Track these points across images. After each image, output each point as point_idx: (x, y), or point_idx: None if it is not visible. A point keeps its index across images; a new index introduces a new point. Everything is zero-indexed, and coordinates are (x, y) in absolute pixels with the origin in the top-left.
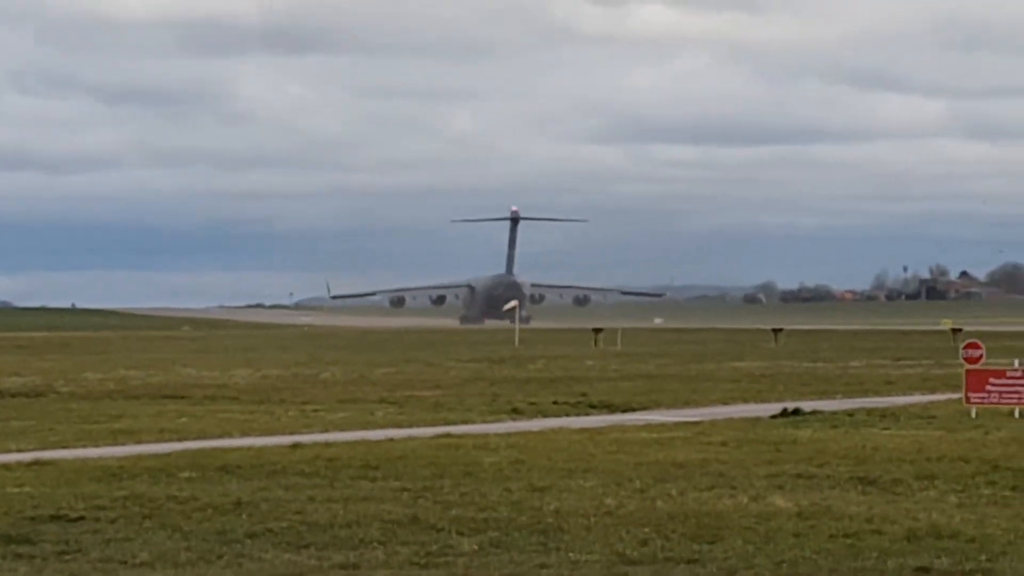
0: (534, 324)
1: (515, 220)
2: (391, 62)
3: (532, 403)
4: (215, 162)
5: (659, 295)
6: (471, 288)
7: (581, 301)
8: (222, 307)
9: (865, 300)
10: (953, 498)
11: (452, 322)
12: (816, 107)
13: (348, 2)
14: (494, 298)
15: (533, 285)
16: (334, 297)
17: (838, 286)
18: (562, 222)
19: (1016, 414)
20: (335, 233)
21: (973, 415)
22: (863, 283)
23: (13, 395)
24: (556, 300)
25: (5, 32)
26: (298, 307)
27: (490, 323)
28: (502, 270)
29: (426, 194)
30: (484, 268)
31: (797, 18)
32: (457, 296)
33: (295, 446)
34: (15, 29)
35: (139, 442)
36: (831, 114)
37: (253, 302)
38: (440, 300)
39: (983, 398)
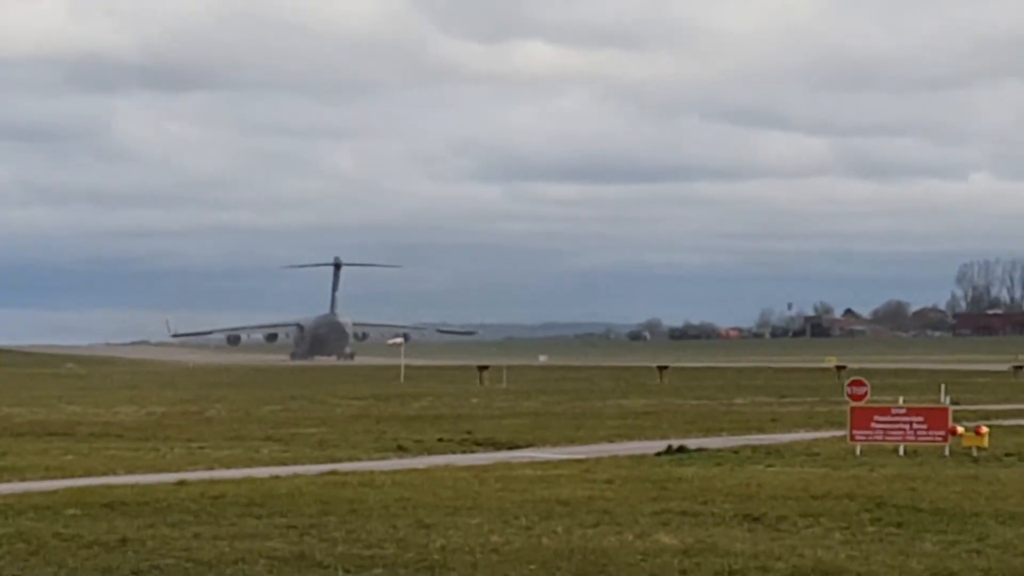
0: (358, 360)
1: (338, 266)
2: (272, 99)
3: (418, 440)
4: (96, 199)
5: (471, 332)
6: (300, 327)
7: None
8: (107, 344)
9: (751, 337)
10: (838, 535)
11: (284, 358)
12: (697, 145)
13: (228, 40)
14: (318, 336)
15: (356, 324)
16: (175, 336)
17: (723, 323)
18: (380, 267)
19: (900, 451)
20: (218, 270)
21: (858, 452)
22: (748, 320)
23: None
24: (378, 338)
25: None
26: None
27: (319, 359)
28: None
29: (307, 232)
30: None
31: (677, 56)
32: (288, 335)
33: (181, 483)
34: None
35: (24, 479)
36: (712, 152)
37: (138, 339)
38: (272, 338)
39: (868, 435)
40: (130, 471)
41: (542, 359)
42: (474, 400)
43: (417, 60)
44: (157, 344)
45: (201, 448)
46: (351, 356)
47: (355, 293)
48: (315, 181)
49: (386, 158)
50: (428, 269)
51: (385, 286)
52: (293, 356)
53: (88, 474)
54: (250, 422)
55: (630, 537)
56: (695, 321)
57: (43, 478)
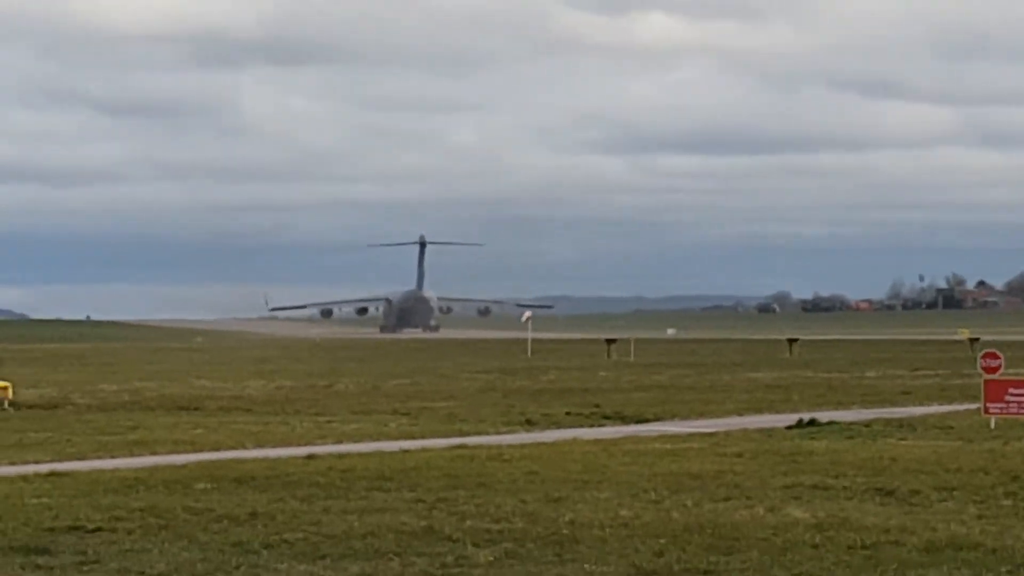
0: (443, 333)
1: (423, 244)
2: (392, 74)
3: (546, 414)
4: (218, 175)
5: (549, 307)
6: (388, 301)
7: (483, 312)
8: (235, 318)
9: (882, 310)
10: (973, 509)
11: (373, 331)
12: (819, 115)
13: (348, 14)
14: (405, 310)
15: (440, 298)
16: (272, 310)
17: (852, 296)
18: (461, 245)
19: None
20: (340, 245)
21: (992, 426)
22: (878, 292)
23: (30, 407)
24: (461, 312)
25: (7, 47)
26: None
27: (406, 331)
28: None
29: (428, 206)
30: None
31: (798, 26)
32: (377, 308)
33: (310, 457)
34: (17, 44)
35: (154, 453)
36: (834, 122)
37: (265, 314)
38: (363, 311)
39: (1002, 408)
40: (259, 445)
41: (670, 332)
42: (602, 373)
43: (538, 32)
44: (257, 318)
45: (330, 422)
46: (436, 328)
47: (475, 266)
48: (435, 155)
49: (507, 131)
50: (550, 242)
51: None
52: (382, 329)
53: (217, 448)
54: (378, 396)
55: (761, 511)
56: (824, 293)
57: (173, 452)
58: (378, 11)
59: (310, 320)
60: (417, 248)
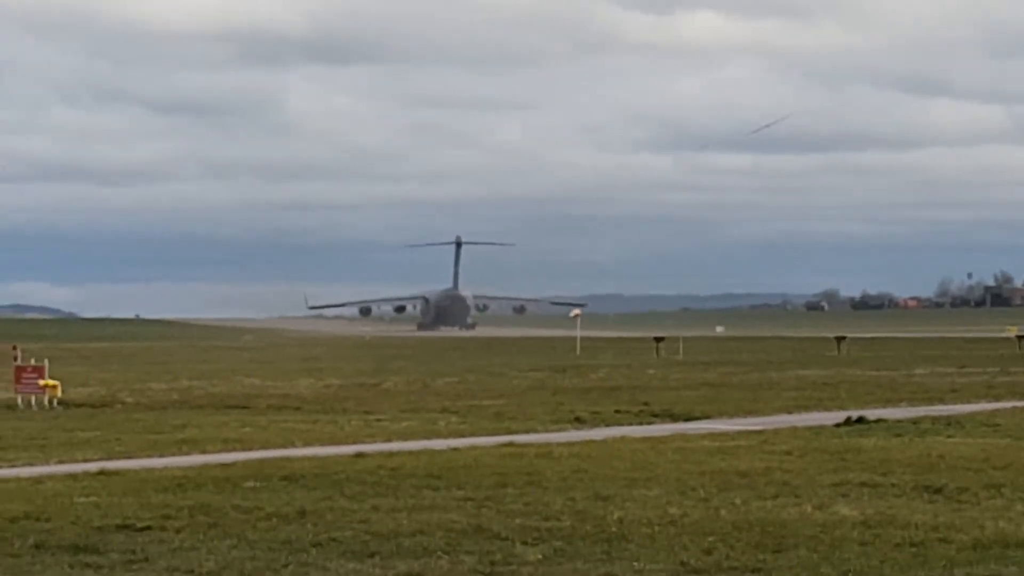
0: (479, 331)
1: (458, 244)
2: (437, 73)
3: (595, 412)
4: (264, 173)
5: (583, 305)
6: (426, 300)
7: (518, 310)
8: (282, 317)
9: (930, 307)
10: (1020, 507)
11: (412, 328)
12: (865, 114)
13: (393, 13)
14: (442, 308)
15: (476, 296)
16: (311, 308)
17: (900, 293)
18: (495, 245)
19: None
20: (385, 243)
21: None
22: (926, 290)
23: (79, 405)
24: (497, 309)
25: (54, 47)
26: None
27: (444, 330)
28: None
29: (474, 204)
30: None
31: (844, 24)
32: (415, 307)
33: (359, 455)
34: (66, 43)
35: (204, 452)
36: (881, 120)
37: (309, 312)
38: (401, 310)
39: None
40: (308, 443)
41: (719, 330)
42: (650, 371)
43: (583, 31)
44: (303, 317)
45: (379, 420)
46: (472, 326)
47: (520, 264)
48: (481, 153)
49: (553, 129)
50: (598, 241)
51: (553, 258)
52: (420, 327)
53: (266, 446)
54: (427, 394)
55: (809, 508)
56: (872, 291)
57: (222, 450)
58: (423, 10)
59: (350, 319)
60: (453, 248)
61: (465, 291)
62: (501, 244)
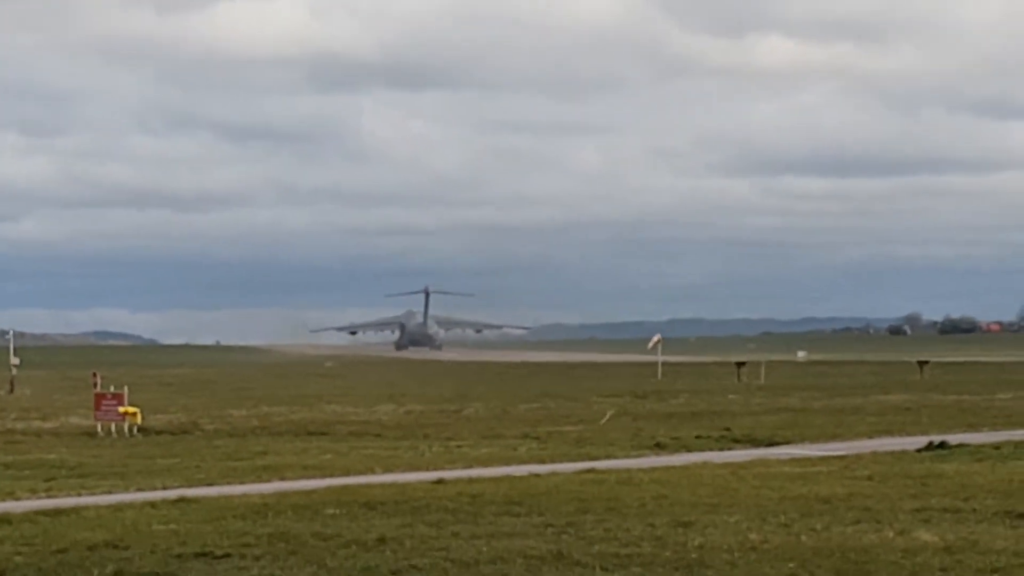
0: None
1: (427, 293)
2: (513, 98)
3: (675, 437)
4: (341, 198)
5: (527, 328)
6: (402, 325)
7: (478, 331)
8: (378, 344)
9: (1015, 331)
10: None
11: (390, 348)
12: (943, 137)
13: (468, 38)
14: (411, 335)
15: (446, 321)
16: (312, 332)
17: (983, 317)
18: (456, 295)
19: None
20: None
21: None
22: (1008, 314)
23: (159, 432)
24: (460, 334)
25: (129, 74)
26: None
27: (413, 350)
28: None
29: (553, 229)
30: None
31: (919, 47)
32: (393, 331)
33: (439, 482)
34: (139, 70)
35: (283, 479)
36: (960, 143)
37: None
38: (353, 333)
39: None
40: (388, 470)
41: (801, 355)
42: (732, 396)
43: (658, 56)
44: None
45: (459, 447)
46: (439, 347)
47: (608, 288)
48: (559, 178)
49: (629, 154)
50: (677, 264)
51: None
52: (397, 347)
53: (347, 473)
54: (507, 420)
55: (890, 534)
56: (955, 315)
57: (302, 477)
58: (498, 35)
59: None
60: (423, 296)
61: (432, 326)
62: (462, 295)
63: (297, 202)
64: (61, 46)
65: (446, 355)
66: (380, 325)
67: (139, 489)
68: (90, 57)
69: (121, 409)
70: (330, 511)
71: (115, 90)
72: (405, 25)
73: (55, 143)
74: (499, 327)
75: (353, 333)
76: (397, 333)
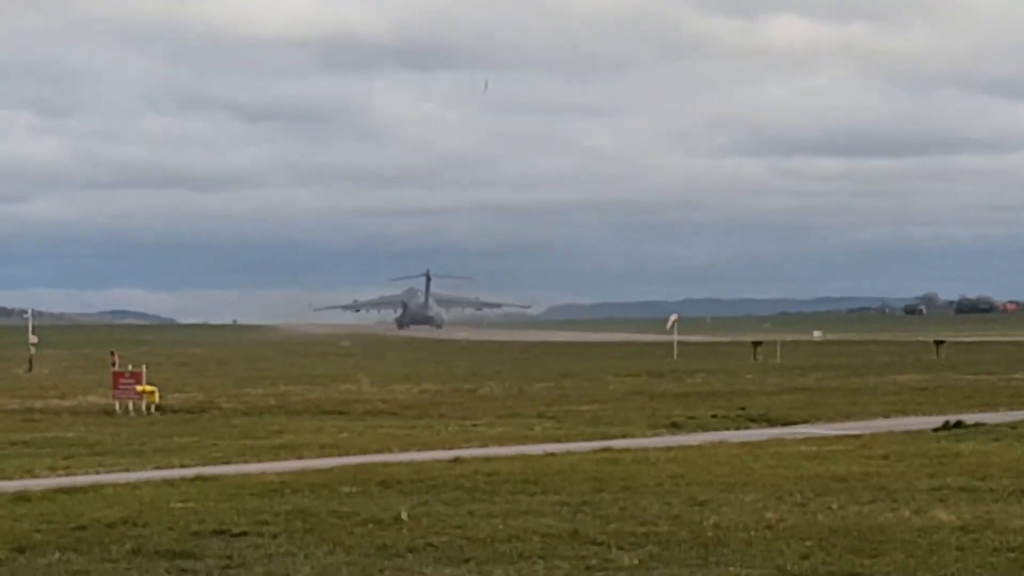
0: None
1: (428, 277)
2: (525, 78)
3: (691, 417)
4: (354, 179)
5: (527, 306)
6: (404, 303)
7: (478, 308)
8: (380, 322)
9: None
10: None
11: (392, 325)
12: (956, 117)
13: (481, 19)
14: (412, 314)
15: (445, 299)
16: (316, 310)
17: (999, 297)
18: (456, 278)
19: None
20: (478, 248)
21: None
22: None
23: (176, 411)
24: (460, 313)
25: (142, 55)
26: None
27: (414, 328)
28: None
29: (564, 210)
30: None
31: (931, 28)
32: (395, 310)
33: (455, 461)
34: (152, 52)
35: (300, 457)
36: (973, 124)
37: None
38: (357, 310)
39: None
40: (405, 449)
41: (817, 335)
42: (748, 376)
43: (671, 36)
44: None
45: (475, 426)
46: (440, 326)
47: (621, 269)
48: (571, 159)
49: (642, 135)
50: (691, 244)
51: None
52: (399, 325)
53: (363, 452)
54: (523, 399)
55: (906, 513)
56: (971, 295)
57: (319, 456)
58: (510, 16)
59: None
60: (424, 279)
61: (432, 304)
62: (462, 277)
63: (309, 182)
64: (74, 27)
65: (459, 334)
66: (382, 303)
67: (156, 467)
68: (103, 38)
69: (139, 388)
70: (346, 489)
71: (128, 71)
72: (417, 6)
73: (69, 124)
74: (498, 305)
75: (356, 311)
76: (399, 311)
